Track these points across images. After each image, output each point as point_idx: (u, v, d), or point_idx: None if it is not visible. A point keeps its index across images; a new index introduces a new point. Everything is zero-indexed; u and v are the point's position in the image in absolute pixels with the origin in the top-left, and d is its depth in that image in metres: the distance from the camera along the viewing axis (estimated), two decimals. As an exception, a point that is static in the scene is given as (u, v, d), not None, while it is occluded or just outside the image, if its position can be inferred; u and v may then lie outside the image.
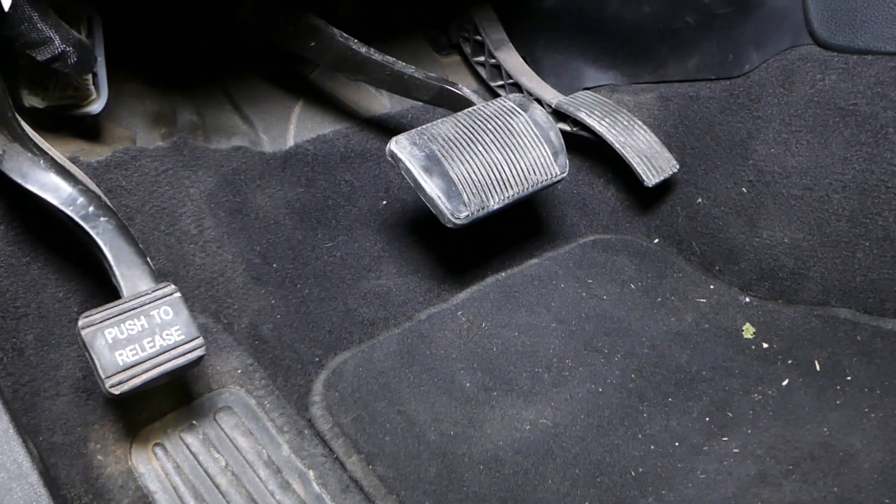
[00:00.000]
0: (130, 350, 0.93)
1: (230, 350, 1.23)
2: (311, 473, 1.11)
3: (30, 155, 1.01)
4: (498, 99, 1.39)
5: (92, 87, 1.26)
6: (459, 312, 1.38)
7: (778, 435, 1.13)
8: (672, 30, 1.58)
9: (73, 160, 1.26)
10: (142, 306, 0.95)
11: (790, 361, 1.26)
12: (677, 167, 1.53)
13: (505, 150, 1.31)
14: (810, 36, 1.37)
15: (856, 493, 1.01)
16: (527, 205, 1.66)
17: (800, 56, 1.38)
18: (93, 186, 1.07)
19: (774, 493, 1.04)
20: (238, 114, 1.60)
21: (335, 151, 1.61)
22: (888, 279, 1.29)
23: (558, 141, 1.36)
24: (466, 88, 1.52)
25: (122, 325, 0.93)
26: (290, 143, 1.61)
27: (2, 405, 0.82)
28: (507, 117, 1.35)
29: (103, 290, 1.19)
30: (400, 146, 1.26)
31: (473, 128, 1.31)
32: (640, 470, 1.10)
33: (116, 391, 0.91)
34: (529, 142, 1.33)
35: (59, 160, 1.05)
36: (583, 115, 1.55)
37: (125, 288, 0.99)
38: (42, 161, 1.02)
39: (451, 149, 1.27)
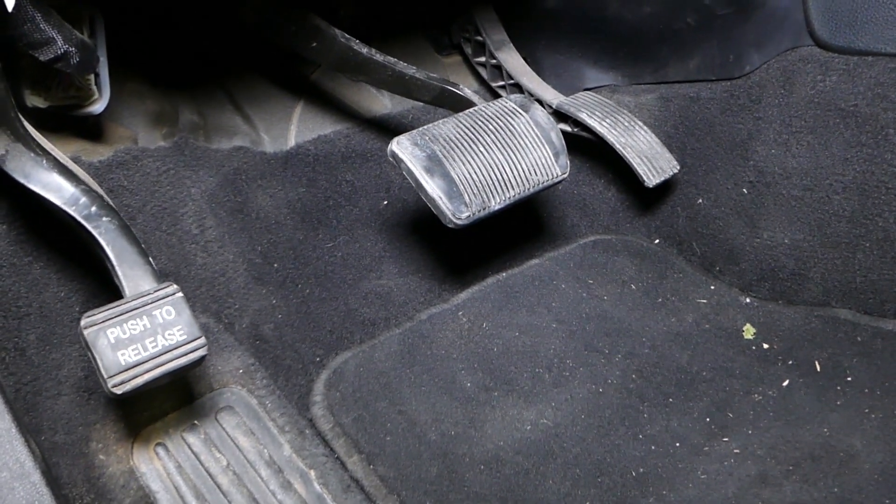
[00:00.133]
0: (133, 350, 0.93)
1: (231, 350, 1.23)
2: (312, 473, 1.11)
3: (33, 155, 1.02)
4: (499, 99, 1.40)
5: (94, 87, 1.26)
6: (460, 313, 1.38)
7: (778, 435, 1.13)
8: (673, 30, 1.58)
9: (75, 160, 1.26)
10: (144, 306, 0.95)
11: (791, 362, 1.26)
12: (678, 168, 1.53)
13: (506, 151, 1.31)
14: (811, 37, 1.37)
15: (856, 493, 1.01)
16: (527, 205, 1.66)
17: (800, 57, 1.38)
18: (95, 186, 1.08)
19: (775, 494, 1.04)
20: (239, 114, 1.61)
21: (336, 151, 1.61)
22: (888, 280, 1.29)
23: (559, 141, 1.37)
24: (467, 89, 1.52)
25: (124, 324, 0.93)
26: (292, 143, 1.61)
27: (4, 404, 0.82)
28: (509, 118, 1.35)
29: (105, 289, 1.20)
30: (401, 146, 1.26)
31: (475, 128, 1.31)
32: (641, 470, 1.10)
33: (119, 391, 0.91)
34: (530, 142, 1.34)
35: (61, 160, 1.06)
36: (583, 116, 1.55)
37: (127, 288, 0.99)
38: (45, 161, 1.02)
39: (453, 149, 1.27)
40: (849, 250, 1.33)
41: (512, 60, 1.76)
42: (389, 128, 1.70)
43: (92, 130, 1.34)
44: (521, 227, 1.64)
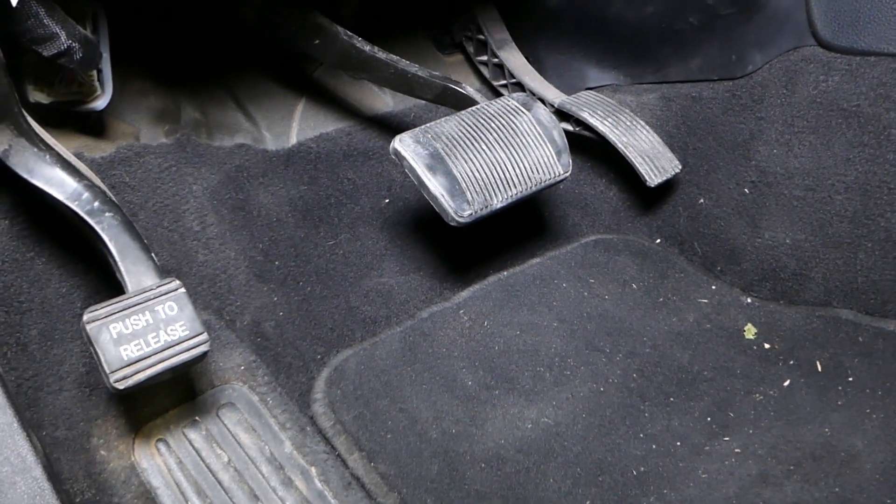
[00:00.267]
0: (135, 345, 0.93)
1: (233, 347, 1.23)
2: (313, 470, 1.11)
3: (36, 150, 1.02)
4: (501, 98, 1.40)
5: (97, 84, 1.27)
6: (461, 311, 1.38)
7: (779, 435, 1.13)
8: (675, 30, 1.58)
9: (78, 156, 1.26)
10: (146, 301, 0.95)
11: (792, 362, 1.26)
12: (679, 167, 1.53)
13: (508, 149, 1.31)
14: (813, 37, 1.37)
15: (857, 493, 1.01)
16: (529, 204, 1.66)
17: (803, 57, 1.38)
18: (98, 182, 1.08)
19: (776, 493, 1.04)
20: (241, 111, 1.61)
21: (338, 149, 1.61)
22: (890, 280, 1.29)
23: (561, 140, 1.37)
24: (470, 87, 1.52)
25: (126, 320, 0.93)
26: (293, 140, 1.61)
27: (6, 399, 0.82)
28: (511, 116, 1.35)
29: (107, 285, 1.20)
30: (404, 144, 1.26)
31: (477, 126, 1.31)
32: (642, 469, 1.10)
33: (121, 386, 0.91)
34: (533, 141, 1.34)
35: (64, 155, 1.06)
36: (585, 115, 1.55)
37: (130, 283, 0.99)
38: (48, 156, 1.03)
39: (455, 147, 1.27)
40: (850, 250, 1.33)
41: (514, 59, 1.76)
42: (391, 126, 1.70)
43: (94, 126, 1.35)
44: (523, 225, 1.64)
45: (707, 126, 1.53)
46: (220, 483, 1.08)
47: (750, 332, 1.35)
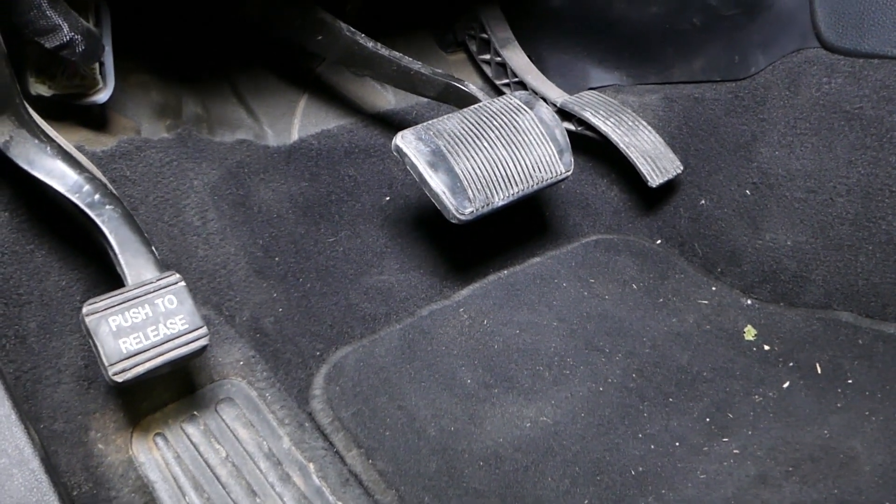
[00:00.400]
0: (134, 338, 0.93)
1: (232, 342, 1.23)
2: (311, 466, 1.11)
3: (37, 142, 1.01)
4: (504, 96, 1.39)
5: (98, 77, 1.26)
6: (461, 309, 1.38)
7: (778, 436, 1.13)
8: (678, 31, 1.58)
9: (79, 149, 1.25)
10: (146, 294, 0.95)
11: (791, 364, 1.26)
12: (681, 168, 1.53)
13: (510, 147, 1.31)
14: (817, 39, 1.37)
15: (856, 495, 1.01)
16: (530, 203, 1.66)
17: (806, 59, 1.38)
18: (99, 175, 1.07)
19: (774, 495, 1.04)
20: (243, 107, 1.60)
21: (339, 146, 1.61)
22: (890, 283, 1.29)
23: (563, 139, 1.36)
24: (472, 85, 1.52)
25: (126, 312, 0.93)
26: (295, 137, 1.61)
27: (4, 392, 0.82)
28: (513, 114, 1.35)
29: (107, 278, 1.19)
30: (406, 141, 1.26)
31: (479, 124, 1.31)
32: (640, 469, 1.10)
33: (119, 379, 0.91)
34: (535, 139, 1.33)
35: (65, 147, 1.05)
36: (587, 115, 1.55)
37: (129, 276, 0.98)
38: (49, 148, 1.02)
39: (457, 145, 1.27)
40: (851, 253, 1.33)
41: (516, 58, 1.76)
42: (393, 123, 1.70)
43: (96, 120, 1.34)
44: (524, 224, 1.64)
45: (709, 127, 1.53)
46: (217, 478, 1.08)
47: (750, 333, 1.34)
